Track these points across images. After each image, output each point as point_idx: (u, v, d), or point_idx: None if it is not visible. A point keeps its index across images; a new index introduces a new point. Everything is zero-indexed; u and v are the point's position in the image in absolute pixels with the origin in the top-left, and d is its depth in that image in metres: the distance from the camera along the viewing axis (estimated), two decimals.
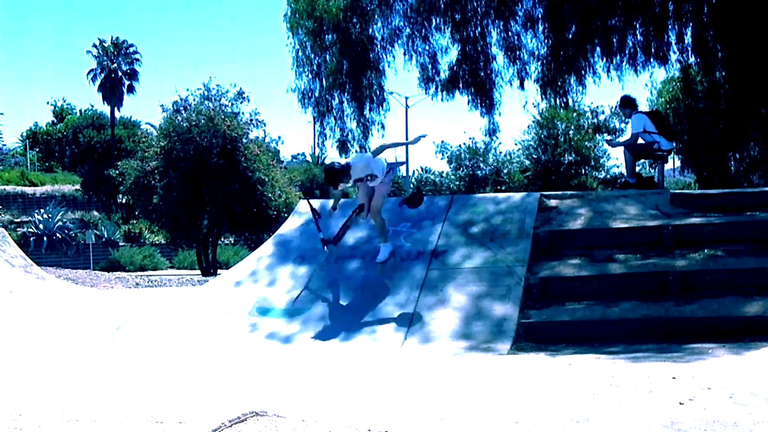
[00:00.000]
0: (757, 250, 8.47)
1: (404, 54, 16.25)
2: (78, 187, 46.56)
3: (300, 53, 16.34)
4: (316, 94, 16.59)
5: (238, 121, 25.28)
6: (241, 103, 26.29)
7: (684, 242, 8.78)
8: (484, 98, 16.13)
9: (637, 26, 15.20)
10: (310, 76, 16.51)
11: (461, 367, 6.88)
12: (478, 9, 15.59)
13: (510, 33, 15.70)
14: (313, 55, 16.34)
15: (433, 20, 15.82)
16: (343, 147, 17.17)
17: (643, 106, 16.40)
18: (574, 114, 35.46)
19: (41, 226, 38.76)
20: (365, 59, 16.05)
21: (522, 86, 16.07)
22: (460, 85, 16.12)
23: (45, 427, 3.29)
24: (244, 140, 25.19)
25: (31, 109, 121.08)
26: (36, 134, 58.60)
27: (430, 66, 16.21)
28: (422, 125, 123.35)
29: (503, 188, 37.20)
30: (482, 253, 9.14)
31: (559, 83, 15.77)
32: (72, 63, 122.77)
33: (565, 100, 16.56)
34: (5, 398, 5.83)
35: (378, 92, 16.59)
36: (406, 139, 55.18)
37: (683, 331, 7.48)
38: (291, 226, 10.52)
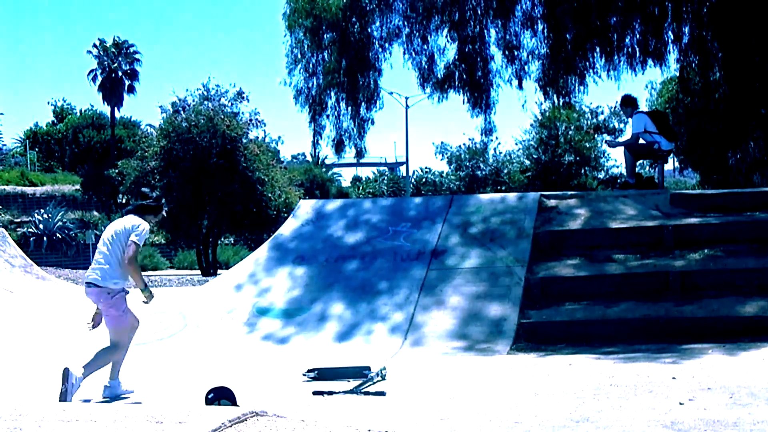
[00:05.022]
0: (757, 250, 8.47)
1: (403, 53, 16.24)
2: (78, 187, 46.50)
3: (296, 51, 16.34)
4: (313, 93, 16.58)
5: (238, 121, 25.25)
6: (241, 103, 26.28)
7: (684, 242, 8.78)
8: (481, 98, 16.10)
9: (636, 26, 15.19)
10: (306, 74, 16.51)
11: (461, 367, 6.88)
12: (477, 9, 15.58)
13: (509, 33, 15.68)
14: (309, 54, 16.33)
15: (433, 20, 15.81)
16: (338, 146, 17.15)
17: (643, 106, 16.37)
18: (575, 114, 35.48)
19: (41, 226, 38.74)
20: (364, 58, 16.02)
21: (520, 86, 16.05)
22: (456, 85, 16.08)
23: (45, 427, 3.28)
24: (244, 140, 25.16)
25: (31, 109, 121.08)
26: (36, 134, 58.54)
27: (427, 66, 16.19)
28: (422, 125, 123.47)
29: (503, 188, 37.21)
30: (482, 253, 9.14)
31: (561, 83, 15.75)
32: (72, 63, 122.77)
33: (567, 99, 16.53)
34: (5, 398, 5.83)
35: (374, 90, 16.58)
36: (406, 136, 55.25)
37: (683, 331, 7.49)
38: (290, 226, 10.52)
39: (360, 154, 17.58)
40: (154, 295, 6.38)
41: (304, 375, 6.60)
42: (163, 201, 6.65)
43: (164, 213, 6.64)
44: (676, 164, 28.85)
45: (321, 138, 17.17)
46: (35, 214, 39.94)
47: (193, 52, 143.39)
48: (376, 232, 9.89)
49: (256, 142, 26.25)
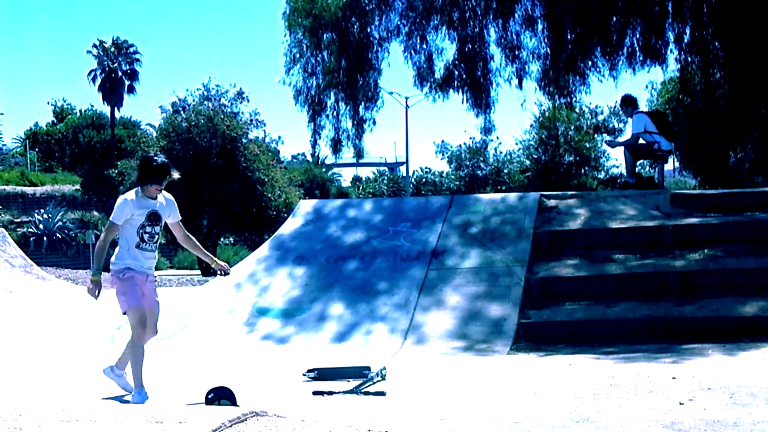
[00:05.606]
0: (757, 250, 8.47)
1: (403, 52, 16.24)
2: (78, 187, 46.53)
3: (295, 51, 16.33)
4: (312, 93, 16.58)
5: (238, 121, 25.27)
6: (241, 103, 26.31)
7: (684, 242, 8.78)
8: (481, 97, 16.10)
9: (636, 25, 15.19)
10: (305, 74, 16.52)
11: (461, 367, 6.88)
12: (477, 9, 15.58)
13: (509, 32, 15.68)
14: (309, 54, 16.32)
15: (432, 19, 15.81)
16: (336, 146, 17.15)
17: (643, 106, 16.35)
18: (575, 114, 35.46)
19: (41, 226, 38.76)
20: (363, 58, 16.02)
21: (520, 85, 16.04)
22: (456, 84, 16.07)
23: (45, 427, 3.28)
24: (244, 140, 25.19)
25: (31, 109, 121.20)
26: (36, 134, 58.57)
27: (425, 65, 16.18)
28: (422, 125, 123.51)
29: (503, 188, 37.19)
30: (482, 253, 9.14)
31: (563, 83, 15.75)
32: (72, 63, 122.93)
33: (568, 99, 16.51)
34: (5, 398, 5.83)
35: (373, 89, 16.58)
36: (406, 136, 55.23)
37: (683, 331, 7.49)
38: (290, 226, 10.52)
39: (359, 154, 17.56)
40: (98, 286, 5.60)
41: (304, 375, 6.60)
42: (165, 163, 5.79)
43: (174, 176, 5.87)
44: (676, 164, 28.82)
45: (320, 138, 17.17)
46: (35, 214, 39.96)
47: (193, 52, 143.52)
48: (375, 232, 9.89)
49: (256, 142, 26.28)
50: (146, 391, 5.74)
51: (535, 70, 15.94)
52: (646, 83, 34.10)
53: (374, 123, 16.88)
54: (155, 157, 5.85)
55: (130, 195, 5.78)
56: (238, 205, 24.78)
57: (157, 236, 5.89)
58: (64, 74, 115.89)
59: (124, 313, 5.80)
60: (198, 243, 6.25)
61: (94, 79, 52.36)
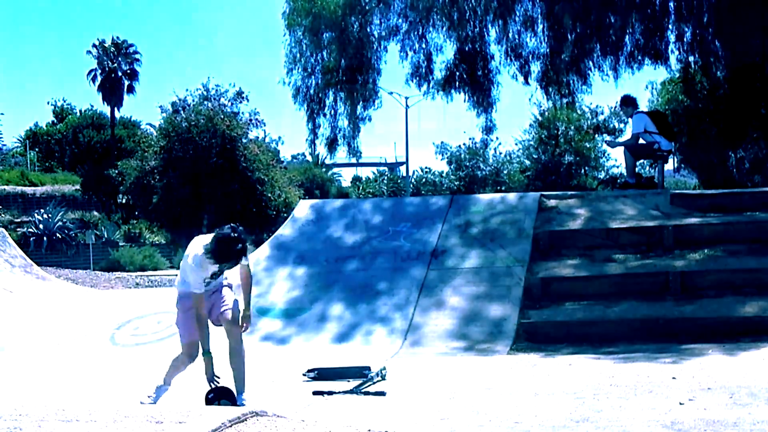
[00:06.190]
0: (757, 250, 8.47)
1: (399, 51, 16.22)
2: (78, 187, 46.49)
3: (295, 50, 16.32)
4: (311, 92, 16.57)
5: (238, 121, 25.27)
6: (241, 102, 26.30)
7: (684, 242, 8.78)
8: (482, 97, 16.10)
9: (637, 25, 15.19)
10: (304, 73, 16.50)
11: (461, 367, 6.88)
12: (477, 9, 15.58)
13: (509, 32, 15.68)
14: (308, 53, 16.32)
15: (432, 19, 15.81)
16: (331, 145, 17.14)
17: (643, 106, 16.33)
18: (575, 114, 35.47)
19: (41, 226, 38.70)
20: (363, 57, 16.02)
21: (527, 81, 16.01)
22: (457, 84, 16.08)
23: (45, 427, 3.28)
24: (244, 140, 25.19)
25: (31, 109, 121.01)
26: (36, 134, 58.56)
27: (424, 65, 16.17)
28: (422, 125, 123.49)
29: (503, 188, 37.21)
30: (482, 253, 9.14)
31: (564, 83, 15.74)
32: (72, 63, 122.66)
33: (569, 99, 16.49)
34: (5, 398, 5.83)
35: (372, 89, 16.57)
36: (406, 136, 55.25)
37: (683, 331, 7.49)
38: (290, 227, 10.52)
39: (353, 152, 17.52)
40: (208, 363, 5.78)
41: (304, 375, 6.60)
42: (240, 250, 5.46)
43: (244, 263, 5.68)
44: (676, 164, 28.85)
45: (317, 137, 17.17)
46: (35, 214, 39.91)
47: (193, 52, 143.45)
48: (376, 232, 9.89)
49: (256, 142, 26.28)
50: (165, 392, 5.90)
51: (535, 70, 15.95)
52: (646, 83, 34.08)
53: (370, 120, 16.89)
54: (233, 244, 5.37)
55: (199, 258, 5.53)
56: (238, 205, 24.78)
57: (219, 276, 5.85)
58: (64, 74, 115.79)
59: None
60: (250, 289, 6.01)
61: (94, 79, 52.34)
